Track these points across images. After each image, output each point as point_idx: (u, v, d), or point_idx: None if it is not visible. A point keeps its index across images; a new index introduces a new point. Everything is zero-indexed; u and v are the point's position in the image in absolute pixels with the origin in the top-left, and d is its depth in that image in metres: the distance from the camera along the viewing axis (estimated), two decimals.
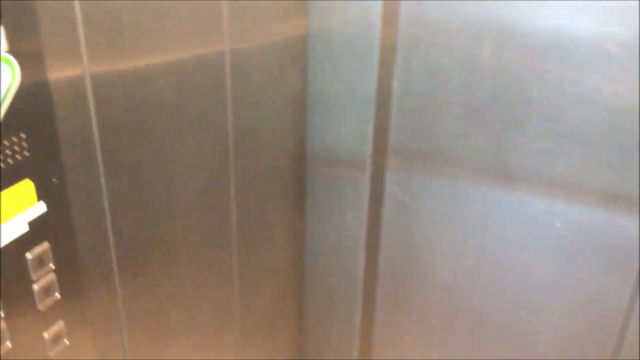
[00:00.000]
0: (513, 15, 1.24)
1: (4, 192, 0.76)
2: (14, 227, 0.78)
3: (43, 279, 0.84)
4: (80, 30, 0.83)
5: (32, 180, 0.79)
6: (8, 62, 0.73)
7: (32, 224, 0.81)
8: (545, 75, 1.26)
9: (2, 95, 0.73)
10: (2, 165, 0.75)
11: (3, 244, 0.77)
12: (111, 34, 0.88)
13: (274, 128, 1.38)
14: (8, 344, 0.80)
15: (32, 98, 0.77)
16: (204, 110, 1.12)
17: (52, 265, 0.85)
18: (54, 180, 0.83)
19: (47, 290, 0.85)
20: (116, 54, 0.90)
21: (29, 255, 0.81)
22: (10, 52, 0.72)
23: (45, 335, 0.86)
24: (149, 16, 0.93)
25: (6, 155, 0.75)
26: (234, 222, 1.31)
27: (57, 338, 0.89)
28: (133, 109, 0.96)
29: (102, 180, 0.93)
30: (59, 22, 0.80)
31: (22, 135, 0.77)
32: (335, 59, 1.40)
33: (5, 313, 0.80)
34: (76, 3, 0.81)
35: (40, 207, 0.81)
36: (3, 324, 0.79)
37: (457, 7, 1.26)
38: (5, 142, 0.75)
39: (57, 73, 0.81)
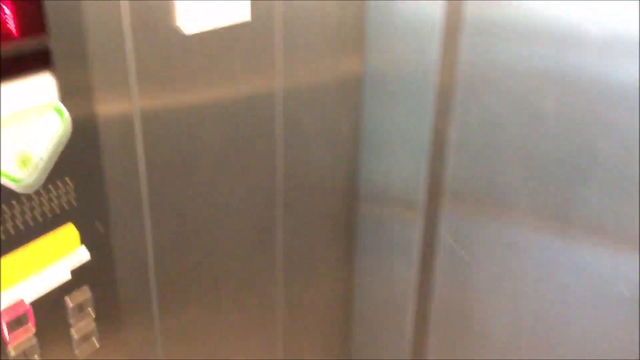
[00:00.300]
0: (580, 62, 1.18)
1: (47, 237, 0.75)
2: (55, 273, 0.78)
3: (82, 325, 0.83)
4: (131, 66, 0.83)
5: (76, 225, 0.79)
6: (59, 111, 0.73)
7: (73, 270, 0.80)
8: (613, 126, 1.19)
9: (51, 144, 0.73)
10: (47, 211, 0.74)
11: (44, 290, 0.77)
12: (162, 71, 0.88)
13: (325, 168, 1.36)
14: None
15: (80, 141, 0.77)
16: (253, 149, 1.11)
17: (91, 312, 0.84)
18: (98, 225, 0.82)
19: (85, 337, 0.84)
20: (166, 91, 0.90)
21: (68, 300, 0.80)
22: (60, 89, 0.73)
23: None
24: (200, 53, 0.93)
25: (51, 200, 0.75)
26: (280, 265, 1.28)
27: None
28: (181, 148, 0.95)
29: (147, 224, 0.92)
30: (109, 58, 0.80)
31: (68, 180, 0.76)
32: (390, 99, 1.37)
33: (42, 358, 0.78)
34: (128, 39, 0.81)
35: (83, 253, 0.80)
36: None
37: (520, 52, 1.21)
38: (50, 187, 0.74)
39: (106, 109, 0.81)
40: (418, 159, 1.38)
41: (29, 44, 0.68)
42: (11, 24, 0.66)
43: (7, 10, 0.65)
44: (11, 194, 0.70)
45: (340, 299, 1.54)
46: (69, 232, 0.78)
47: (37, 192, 0.73)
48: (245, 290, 1.19)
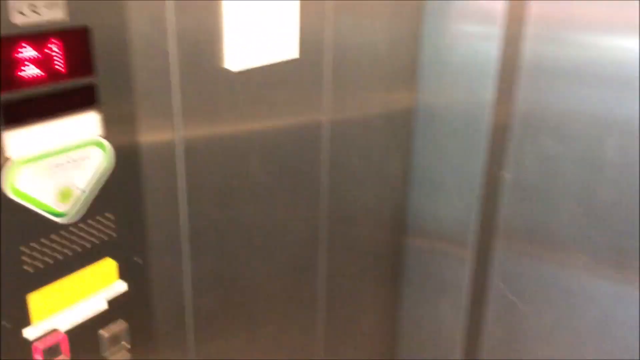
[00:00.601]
0: None
1: (85, 270, 0.77)
2: (92, 304, 0.79)
3: (116, 357, 0.84)
4: (177, 101, 0.84)
5: (115, 258, 0.80)
6: (102, 146, 0.74)
7: (110, 301, 0.81)
8: None
9: (93, 178, 0.74)
10: (87, 244, 0.76)
11: (80, 320, 0.78)
12: (206, 105, 0.89)
13: (371, 202, 1.34)
14: None
15: (122, 175, 0.78)
16: (297, 180, 1.10)
17: (126, 344, 0.84)
18: (136, 259, 0.83)
19: None
20: (210, 124, 0.91)
21: (104, 333, 0.81)
22: (104, 120, 0.74)
23: None
24: (246, 89, 0.93)
25: (91, 233, 0.76)
26: (321, 301, 1.26)
27: None
28: (223, 180, 0.95)
29: (186, 256, 0.92)
30: (155, 93, 0.81)
31: (108, 213, 0.78)
32: (441, 136, 1.34)
33: None
34: (174, 76, 0.82)
35: (120, 286, 0.81)
36: None
37: (580, 94, 1.16)
38: (91, 220, 0.76)
39: (149, 143, 0.82)
40: (469, 197, 1.33)
41: (77, 82, 0.70)
42: (60, 63, 0.68)
43: (56, 49, 0.67)
44: (52, 226, 0.72)
45: (384, 339, 1.50)
46: (107, 265, 0.79)
47: (78, 225, 0.75)
48: (285, 325, 1.18)
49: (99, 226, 0.77)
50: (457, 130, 1.31)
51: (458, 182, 1.34)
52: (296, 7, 0.97)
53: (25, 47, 0.64)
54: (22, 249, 0.70)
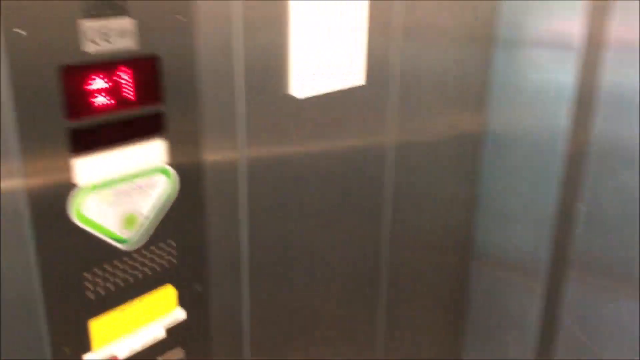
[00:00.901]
0: None
1: (146, 297, 0.76)
2: (151, 331, 0.78)
3: None
4: (242, 128, 0.83)
5: (174, 285, 0.79)
6: (167, 173, 0.74)
7: (169, 329, 0.80)
8: None
9: (157, 205, 0.74)
10: (148, 271, 0.75)
11: (138, 348, 0.77)
12: (271, 131, 0.88)
13: (436, 226, 1.29)
14: None
15: (186, 202, 0.77)
16: (360, 203, 1.07)
17: None
18: (196, 286, 0.82)
19: None
20: (274, 151, 0.89)
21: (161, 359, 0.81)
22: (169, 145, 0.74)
23: None
24: (310, 109, 0.92)
25: (152, 260, 0.76)
26: (381, 329, 1.22)
27: None
28: (284, 200, 0.93)
29: (245, 283, 0.91)
30: (220, 119, 0.80)
31: (171, 241, 0.77)
32: (512, 162, 1.28)
33: None
34: (239, 102, 0.82)
35: (179, 314, 0.81)
36: None
37: None
38: (153, 247, 0.75)
39: (213, 170, 0.81)
40: (541, 227, 1.27)
41: (145, 110, 0.70)
42: (130, 91, 0.68)
43: (126, 78, 0.67)
44: (114, 253, 0.72)
45: None
46: (167, 293, 0.79)
47: (140, 252, 0.74)
48: (343, 352, 1.14)
49: (161, 253, 0.77)
50: (528, 158, 1.26)
51: (529, 212, 1.28)
52: (364, 34, 0.95)
53: (96, 76, 0.65)
54: (85, 275, 0.70)
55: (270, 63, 0.84)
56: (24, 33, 0.58)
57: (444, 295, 1.38)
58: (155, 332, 0.79)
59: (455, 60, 1.19)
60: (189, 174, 0.77)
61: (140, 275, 0.75)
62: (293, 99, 0.88)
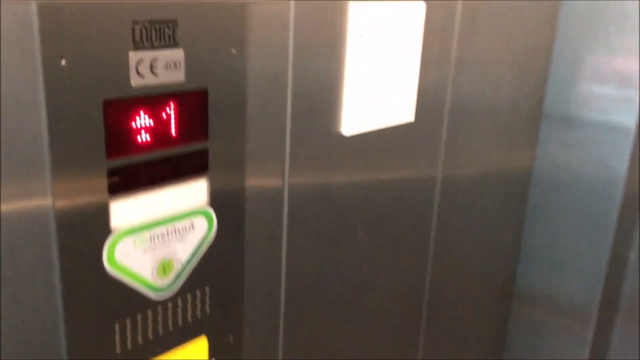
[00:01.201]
0: None
1: (177, 350, 0.70)
2: None
3: None
4: (286, 168, 0.77)
5: (207, 336, 0.73)
6: (207, 216, 0.68)
7: None
8: None
9: (195, 250, 0.68)
10: (179, 321, 0.69)
11: None
12: (316, 162, 0.81)
13: (479, 264, 1.23)
14: None
15: (225, 247, 0.71)
16: (404, 238, 1.01)
17: None
18: (230, 337, 0.75)
19: None
20: (318, 180, 0.83)
21: None
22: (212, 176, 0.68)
23: None
24: (358, 145, 0.86)
25: (185, 309, 0.69)
26: None
27: None
28: (326, 237, 0.86)
29: (280, 335, 0.84)
30: (265, 158, 0.74)
31: (206, 288, 0.71)
32: (563, 202, 1.21)
33: None
34: (286, 141, 0.75)
35: None
36: None
37: None
38: (188, 295, 0.69)
39: (255, 214, 0.75)
40: (592, 274, 1.19)
41: (189, 148, 0.64)
42: (174, 128, 0.62)
43: (171, 113, 0.61)
44: (147, 302, 0.65)
45: None
46: (199, 345, 0.72)
47: (173, 301, 0.68)
48: None
49: (195, 301, 0.70)
50: (581, 200, 1.18)
51: (580, 258, 1.20)
52: (416, 71, 0.88)
53: (140, 111, 0.58)
54: (114, 326, 0.63)
55: (321, 97, 0.78)
56: (65, 63, 0.52)
57: (484, 336, 1.31)
58: None
59: (508, 95, 1.13)
60: (230, 215, 0.71)
61: (171, 326, 0.68)
62: (342, 136, 0.82)
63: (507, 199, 1.24)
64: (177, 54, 0.59)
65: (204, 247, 0.69)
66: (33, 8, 0.49)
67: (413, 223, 1.03)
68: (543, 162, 1.22)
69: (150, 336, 0.67)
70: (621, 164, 1.12)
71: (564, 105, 1.17)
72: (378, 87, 0.83)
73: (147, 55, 0.57)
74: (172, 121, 0.61)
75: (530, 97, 1.18)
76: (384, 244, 0.98)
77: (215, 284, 0.71)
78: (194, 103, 0.62)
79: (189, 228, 0.67)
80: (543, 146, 1.21)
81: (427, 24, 0.88)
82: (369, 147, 0.88)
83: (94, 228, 0.58)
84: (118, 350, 0.64)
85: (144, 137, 0.59)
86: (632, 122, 1.10)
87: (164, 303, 0.67)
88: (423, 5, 0.86)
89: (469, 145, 1.08)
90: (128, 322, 0.64)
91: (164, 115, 0.60)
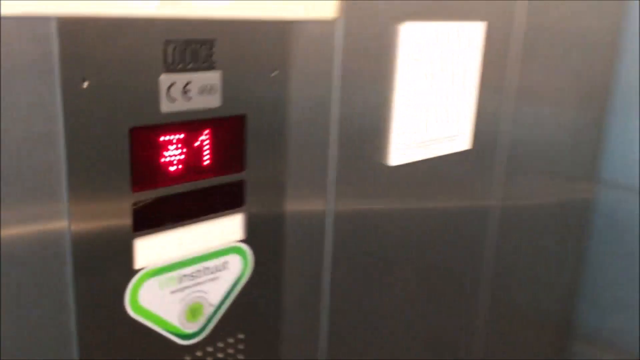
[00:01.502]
0: None
1: None
2: None
3: None
4: (331, 189, 0.70)
5: None
6: (242, 253, 0.61)
7: None
8: None
9: (227, 291, 0.61)
10: None
11: None
12: (361, 195, 0.74)
13: (535, 298, 1.14)
14: None
15: (260, 288, 0.64)
16: (454, 265, 0.94)
17: None
18: None
19: None
20: (363, 217, 0.76)
21: None
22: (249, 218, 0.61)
23: None
24: (408, 174, 0.79)
25: (215, 359, 0.62)
26: None
27: None
28: (370, 273, 0.79)
29: None
30: (307, 194, 0.68)
31: (240, 335, 0.64)
32: (624, 237, 1.13)
33: None
34: (331, 174, 0.69)
35: None
36: None
37: None
38: (219, 343, 0.62)
39: (294, 238, 0.68)
40: None
41: (224, 179, 0.58)
42: (208, 157, 0.56)
43: (205, 141, 0.55)
44: (173, 349, 0.59)
45: None
46: None
47: (203, 348, 0.61)
48: None
49: (227, 349, 0.63)
50: None
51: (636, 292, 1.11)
52: (472, 97, 0.81)
53: (171, 139, 0.53)
54: None
55: (367, 125, 0.71)
56: (87, 86, 0.47)
57: None
58: None
59: (568, 124, 1.05)
60: (267, 253, 0.64)
61: None
62: (389, 166, 0.75)
63: (566, 232, 1.15)
64: (213, 77, 0.53)
65: (238, 289, 0.62)
66: (53, 24, 0.44)
67: (468, 251, 0.96)
68: (604, 195, 1.14)
69: None
70: None
71: (626, 136, 1.09)
72: (430, 115, 0.76)
73: (180, 78, 0.51)
74: (206, 150, 0.55)
75: (591, 127, 1.10)
76: (433, 279, 0.90)
77: (249, 330, 0.64)
78: (230, 130, 0.56)
79: (222, 267, 0.60)
80: (604, 179, 1.13)
81: (486, 46, 0.81)
82: (421, 173, 0.81)
83: (115, 268, 0.52)
84: None
85: (174, 167, 0.53)
86: None
87: (192, 351, 0.60)
88: (482, 25, 0.79)
89: (527, 173, 1.01)
90: None
91: (196, 143, 0.54)
